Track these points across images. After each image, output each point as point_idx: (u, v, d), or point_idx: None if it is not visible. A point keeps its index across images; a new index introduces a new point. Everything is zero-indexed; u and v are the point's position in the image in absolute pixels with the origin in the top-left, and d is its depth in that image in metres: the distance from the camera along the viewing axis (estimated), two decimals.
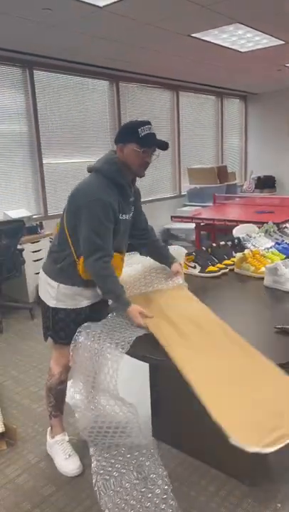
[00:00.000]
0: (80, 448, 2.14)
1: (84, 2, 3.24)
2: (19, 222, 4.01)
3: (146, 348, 1.73)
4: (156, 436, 2.26)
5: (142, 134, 1.86)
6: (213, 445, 2.02)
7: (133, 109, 6.29)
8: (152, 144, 1.89)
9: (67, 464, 2.08)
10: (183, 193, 7.36)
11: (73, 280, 1.97)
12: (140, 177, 2.02)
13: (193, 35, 4.22)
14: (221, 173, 7.15)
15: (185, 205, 7.07)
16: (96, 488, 1.73)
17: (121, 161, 1.93)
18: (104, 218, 1.85)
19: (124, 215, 1.98)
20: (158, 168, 6.90)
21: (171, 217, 5.64)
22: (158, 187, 6.98)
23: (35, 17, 3.52)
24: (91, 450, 1.89)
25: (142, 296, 2.13)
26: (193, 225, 5.72)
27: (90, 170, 2.00)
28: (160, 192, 7.02)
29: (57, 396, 2.10)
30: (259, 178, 8.10)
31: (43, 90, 5.09)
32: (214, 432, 2.00)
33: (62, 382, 2.08)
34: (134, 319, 1.83)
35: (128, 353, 1.74)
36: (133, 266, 2.41)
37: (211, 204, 6.61)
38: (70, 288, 1.99)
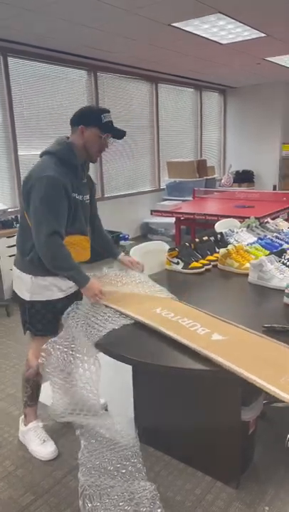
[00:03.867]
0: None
1: None
2: None
3: (126, 348, 1.65)
4: (140, 439, 2.18)
5: (104, 120, 1.93)
6: (198, 447, 1.97)
7: (111, 100, 6.15)
8: (113, 131, 1.96)
9: (42, 448, 2.10)
10: (162, 187, 7.29)
11: (44, 270, 1.94)
12: (93, 162, 2.07)
13: (173, 24, 4.12)
14: (200, 167, 7.11)
15: (164, 199, 7.00)
16: (81, 502, 1.64)
17: (74, 143, 1.95)
18: (55, 195, 1.83)
19: (79, 196, 1.97)
20: (137, 162, 6.80)
21: (151, 211, 5.56)
22: (137, 180, 6.88)
23: (11, 1, 3.34)
24: (79, 462, 1.86)
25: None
26: (172, 220, 5.66)
27: (41, 154, 1.99)
28: (139, 186, 6.93)
29: (33, 386, 2.14)
30: (238, 172, 8.11)
31: (18, 79, 4.89)
32: (199, 433, 1.96)
33: (39, 374, 2.08)
34: (92, 295, 1.90)
35: (107, 353, 1.66)
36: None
37: (190, 198, 6.57)
38: (44, 279, 1.97)
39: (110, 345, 1.67)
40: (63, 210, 1.88)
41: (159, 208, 5.60)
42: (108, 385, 2.56)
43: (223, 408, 1.85)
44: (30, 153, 5.16)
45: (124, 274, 2.25)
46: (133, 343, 1.71)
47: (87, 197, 2.08)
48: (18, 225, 4.53)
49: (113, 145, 6.24)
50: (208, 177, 7.30)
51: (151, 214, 5.58)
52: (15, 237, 4.58)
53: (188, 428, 2.02)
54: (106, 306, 1.93)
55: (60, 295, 2.03)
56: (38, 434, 2.15)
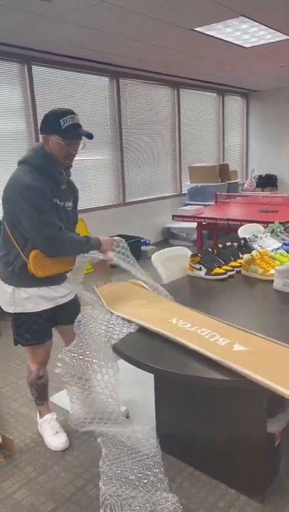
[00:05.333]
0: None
1: None
2: None
3: (148, 355, 1.62)
4: (161, 448, 2.15)
5: (64, 126, 1.81)
6: (222, 458, 1.92)
7: (133, 106, 6.18)
8: (75, 135, 1.85)
9: (55, 439, 2.19)
10: (184, 192, 7.25)
11: (27, 282, 1.92)
12: (67, 167, 1.98)
13: (196, 29, 4.10)
14: (223, 172, 7.04)
15: (186, 204, 6.96)
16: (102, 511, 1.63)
17: (47, 150, 1.90)
18: (40, 200, 1.82)
19: (60, 202, 1.95)
20: (158, 167, 6.80)
21: (173, 216, 5.53)
22: (158, 185, 6.87)
23: (35, 9, 3.40)
24: (100, 470, 1.86)
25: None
26: (194, 225, 5.62)
27: (18, 163, 1.95)
28: (160, 191, 6.91)
29: (38, 389, 2.22)
30: (260, 176, 8.00)
31: (41, 86, 4.97)
32: (224, 444, 1.91)
33: (41, 377, 2.19)
34: (112, 247, 1.98)
35: (128, 360, 1.64)
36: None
37: (212, 203, 6.51)
38: (25, 290, 1.94)
39: (131, 352, 1.65)
40: (50, 207, 1.86)
41: (181, 213, 5.56)
42: (128, 392, 2.54)
43: (248, 419, 1.80)
44: None
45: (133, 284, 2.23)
46: (154, 350, 1.67)
47: (69, 204, 2.03)
48: None
49: (136, 150, 6.26)
50: (231, 181, 7.23)
51: (173, 219, 5.55)
52: None
53: (211, 438, 1.97)
54: (121, 318, 1.90)
55: (46, 306, 2.00)
56: (52, 426, 2.24)
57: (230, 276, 2.53)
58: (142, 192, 6.56)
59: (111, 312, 1.92)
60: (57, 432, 2.22)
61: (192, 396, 2.02)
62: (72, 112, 1.86)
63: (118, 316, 1.89)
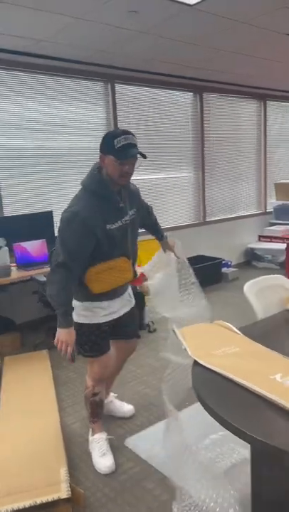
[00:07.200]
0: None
1: (173, 0, 2.92)
2: None
3: (246, 418, 1.28)
4: None
5: (118, 146, 1.85)
6: None
7: (217, 121, 5.89)
8: (127, 155, 1.87)
9: (101, 460, 2.16)
10: (269, 210, 6.75)
11: (86, 296, 2.03)
12: (123, 186, 2.02)
13: None
14: None
15: (272, 224, 6.45)
16: None
17: (103, 172, 1.95)
18: (71, 231, 1.87)
19: (114, 224, 1.97)
20: (241, 183, 6.40)
21: (259, 236, 5.11)
22: (241, 203, 6.45)
23: (120, 22, 3.27)
24: None
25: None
26: (282, 246, 5.14)
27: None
28: (243, 209, 6.48)
29: (92, 406, 2.24)
30: None
31: (123, 104, 4.88)
32: None
33: (96, 394, 2.20)
34: (58, 341, 1.90)
35: (220, 421, 1.31)
36: None
37: None
38: (87, 303, 2.06)
39: (222, 411, 1.31)
40: (77, 245, 1.88)
41: (268, 233, 5.12)
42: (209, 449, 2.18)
43: None
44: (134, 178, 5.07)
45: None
46: (253, 411, 1.32)
47: (127, 218, 2.05)
48: None
49: (218, 166, 5.95)
50: None
51: (259, 239, 5.12)
52: None
53: None
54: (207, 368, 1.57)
55: (107, 318, 2.08)
56: (100, 446, 2.22)
57: None
58: (224, 210, 6.19)
59: (197, 362, 1.60)
60: (104, 454, 2.19)
61: None
62: (127, 133, 1.89)
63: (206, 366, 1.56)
